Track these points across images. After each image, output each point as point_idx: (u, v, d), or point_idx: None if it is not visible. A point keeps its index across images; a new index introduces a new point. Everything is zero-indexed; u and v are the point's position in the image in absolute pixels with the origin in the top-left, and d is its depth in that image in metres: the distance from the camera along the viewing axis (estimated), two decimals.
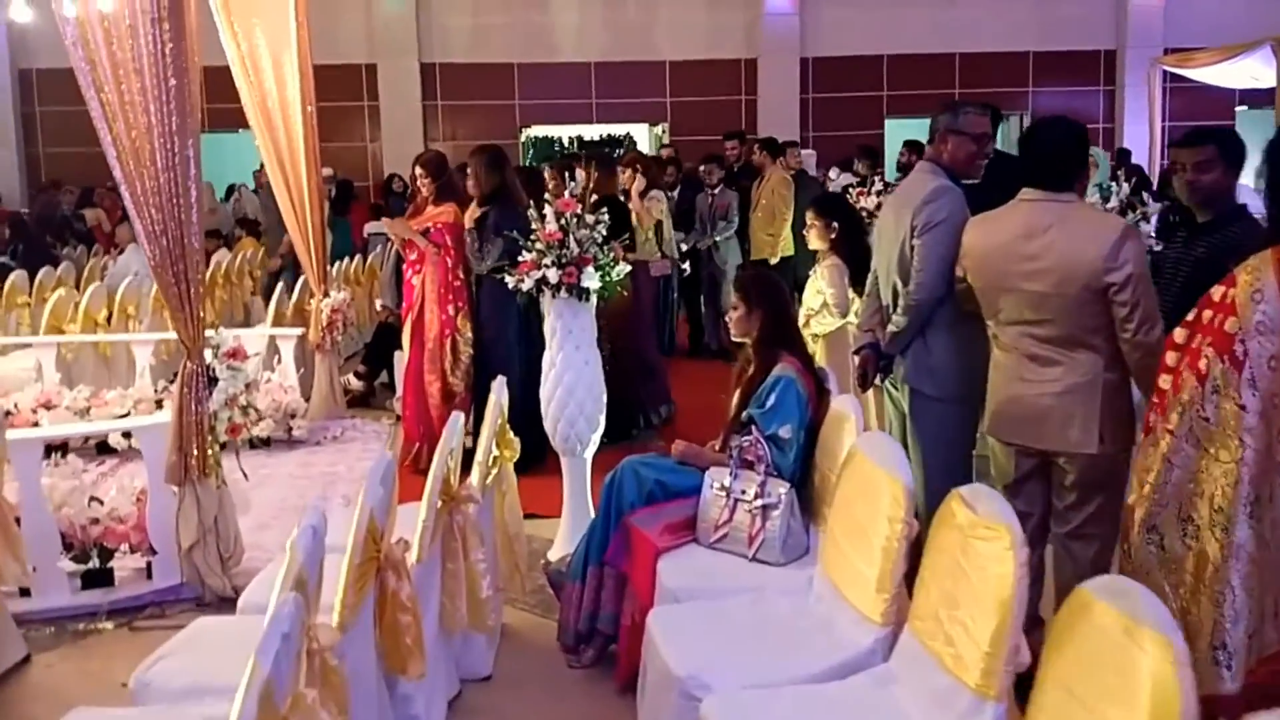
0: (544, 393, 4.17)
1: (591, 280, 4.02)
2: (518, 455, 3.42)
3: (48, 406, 6.19)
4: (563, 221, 4.09)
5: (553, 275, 4.02)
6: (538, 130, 15.93)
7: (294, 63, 6.29)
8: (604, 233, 4.14)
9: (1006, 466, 3.15)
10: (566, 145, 15.74)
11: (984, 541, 2.14)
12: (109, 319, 7.69)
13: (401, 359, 6.03)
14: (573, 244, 4.06)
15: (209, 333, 3.97)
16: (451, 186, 5.62)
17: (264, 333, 6.83)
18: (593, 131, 15.75)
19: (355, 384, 7.31)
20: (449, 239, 5.52)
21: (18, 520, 3.70)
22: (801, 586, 2.88)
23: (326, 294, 6.68)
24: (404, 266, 5.73)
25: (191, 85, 3.75)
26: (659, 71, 15.12)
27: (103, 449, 5.94)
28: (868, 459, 2.60)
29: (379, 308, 7.68)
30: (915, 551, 2.45)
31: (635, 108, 15.26)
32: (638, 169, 6.38)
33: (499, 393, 3.36)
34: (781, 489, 3.02)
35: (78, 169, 14.02)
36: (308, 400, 6.69)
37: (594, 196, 4.19)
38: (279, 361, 6.59)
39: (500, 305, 5.21)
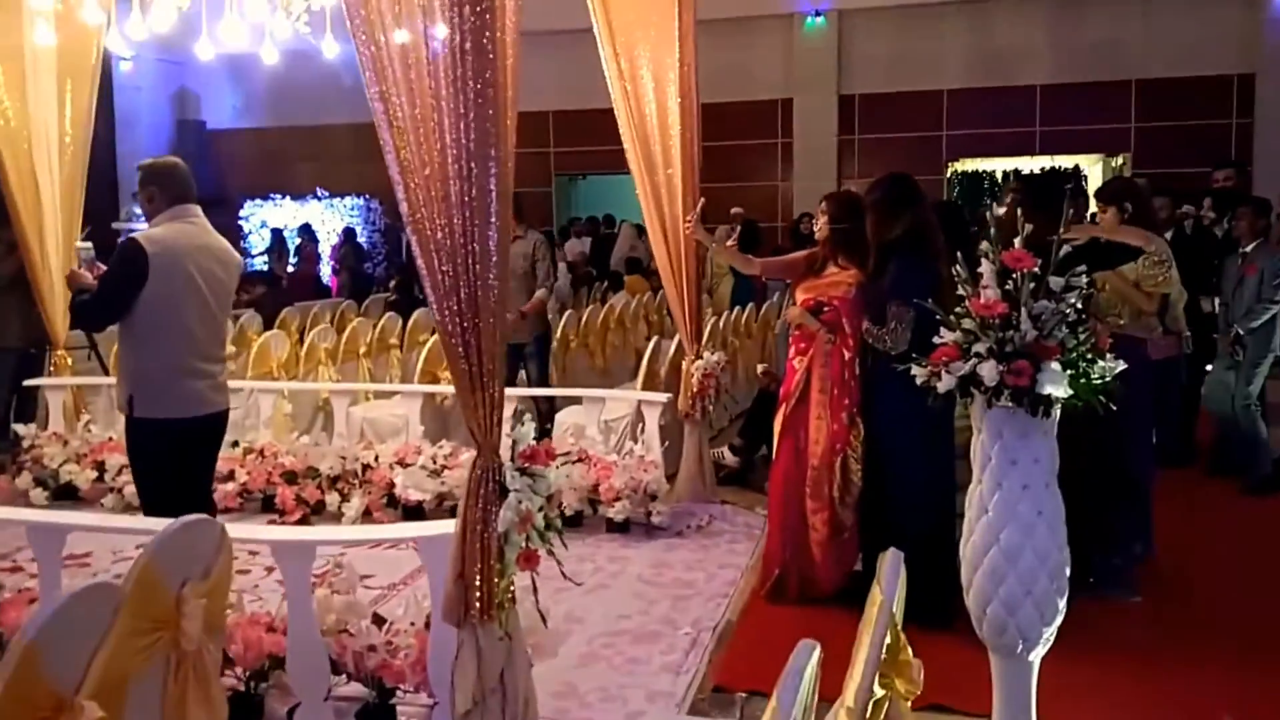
0: (965, 552, 2.70)
1: (1056, 384, 2.50)
2: (919, 688, 2.01)
3: (403, 464, 5.75)
4: (1010, 285, 2.63)
5: (989, 372, 2.56)
6: (968, 164, 14.14)
7: (677, 97, 5.38)
8: (1079, 306, 2.62)
9: None
10: (1000, 181, 13.79)
11: None
12: None
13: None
14: (1025, 322, 2.58)
15: (508, 427, 2.98)
16: (857, 240, 4.17)
17: (630, 396, 5.93)
18: (1033, 164, 13.67)
19: (729, 459, 6.19)
20: (847, 323, 4.14)
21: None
22: None
23: (699, 355, 5.64)
24: (790, 337, 4.47)
25: (501, 106, 2.79)
26: (1123, 93, 12.74)
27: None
28: None
29: (760, 371, 6.51)
30: None
31: (1088, 136, 12.99)
32: (1126, 208, 4.39)
33: (890, 580, 1.98)
34: None
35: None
36: (673, 477, 5.70)
37: (1066, 247, 2.66)
38: (643, 430, 5.63)
39: (900, 401, 3.69)
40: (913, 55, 13.40)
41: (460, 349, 2.87)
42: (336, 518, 5.59)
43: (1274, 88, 12.07)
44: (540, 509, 2.90)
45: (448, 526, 3.07)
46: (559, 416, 6.19)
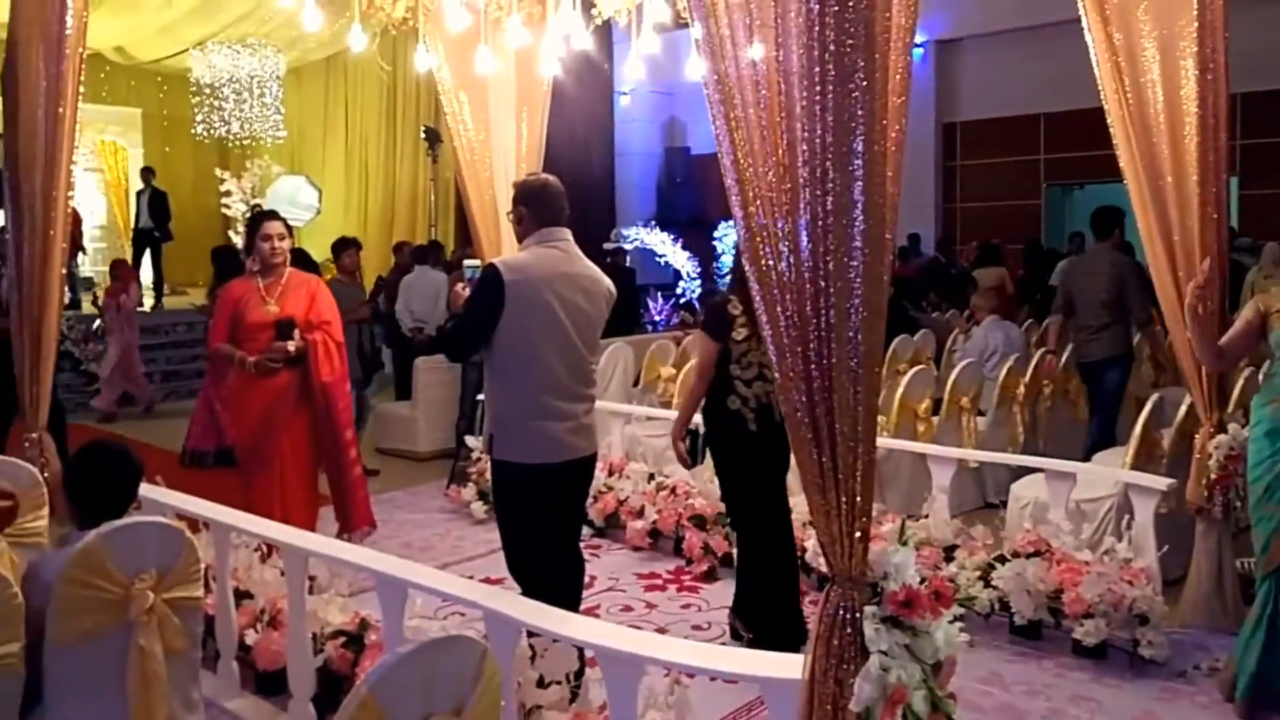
0: None
1: None
2: None
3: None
4: None
5: None
6: None
7: (1194, 71, 3.93)
8: None
9: None
10: None
11: None
12: (934, 409, 6.08)
13: None
14: None
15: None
16: None
17: (1115, 475, 4.44)
18: None
19: None
20: None
21: None
22: None
23: (1221, 426, 4.06)
24: None
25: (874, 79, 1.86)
26: None
27: None
28: None
29: None
30: None
31: None
32: None
33: None
34: None
35: (993, 222, 13.20)
36: (1176, 584, 4.18)
37: None
38: (1131, 525, 4.17)
39: None
40: None
41: (808, 428, 1.97)
42: None
43: None
44: (922, 682, 1.90)
45: (794, 668, 2.16)
46: (1015, 488, 4.90)
